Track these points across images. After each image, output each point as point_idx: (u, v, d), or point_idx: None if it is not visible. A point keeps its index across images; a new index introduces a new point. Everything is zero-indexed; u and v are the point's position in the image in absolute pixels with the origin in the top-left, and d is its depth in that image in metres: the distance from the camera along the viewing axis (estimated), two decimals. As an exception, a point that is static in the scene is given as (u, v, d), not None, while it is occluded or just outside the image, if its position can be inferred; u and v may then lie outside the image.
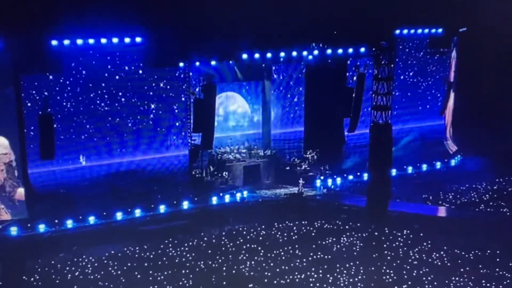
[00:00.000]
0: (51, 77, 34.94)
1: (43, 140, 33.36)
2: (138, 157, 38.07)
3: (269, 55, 40.42)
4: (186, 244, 32.66)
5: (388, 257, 30.84)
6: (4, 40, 31.83)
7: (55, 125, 34.30)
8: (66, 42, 34.32)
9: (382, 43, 37.15)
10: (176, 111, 38.91)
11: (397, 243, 32.76)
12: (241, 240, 33.21)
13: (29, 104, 34.21)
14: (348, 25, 39.41)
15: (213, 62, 39.07)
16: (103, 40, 35.39)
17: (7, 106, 32.74)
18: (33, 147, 34.15)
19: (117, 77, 36.71)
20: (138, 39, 36.10)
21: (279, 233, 34.45)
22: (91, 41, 35.07)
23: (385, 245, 32.44)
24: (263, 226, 35.25)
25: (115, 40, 35.64)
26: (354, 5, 37.81)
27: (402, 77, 46.04)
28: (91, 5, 33.29)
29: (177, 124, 39.07)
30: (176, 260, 30.65)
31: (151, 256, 31.07)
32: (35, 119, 33.75)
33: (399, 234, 33.83)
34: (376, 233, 34.15)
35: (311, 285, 27.67)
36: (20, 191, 33.61)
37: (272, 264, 30.02)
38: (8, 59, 32.39)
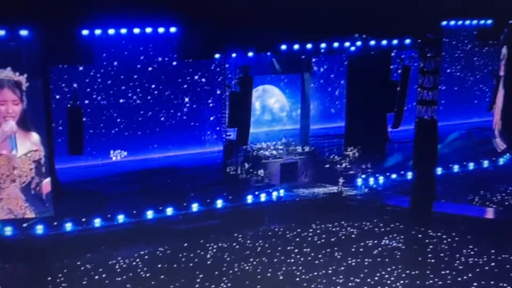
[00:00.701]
0: (81, 68, 34.17)
1: (71, 134, 32.67)
2: (170, 153, 37.27)
3: (309, 46, 39.26)
4: (219, 245, 32.06)
5: (432, 261, 30.14)
6: (33, 29, 31.01)
7: (84, 119, 33.59)
8: (98, 31, 33.39)
9: (428, 35, 36.46)
10: (211, 105, 38.16)
11: (442, 246, 32.03)
12: (277, 242, 32.55)
13: (57, 97, 33.51)
14: (392, 16, 37.93)
15: (250, 54, 37.91)
16: (136, 30, 34.49)
17: (35, 99, 32.01)
18: (60, 141, 33.52)
19: (150, 69, 35.89)
20: (172, 30, 35.22)
21: (317, 234, 33.71)
22: (123, 31, 34.16)
23: (429, 248, 31.73)
24: (300, 227, 34.53)
25: (148, 30, 34.76)
26: None
27: (448, 71, 44.77)
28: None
29: (211, 118, 38.31)
30: (208, 262, 30.08)
31: (183, 258, 30.44)
32: (63, 113, 33.12)
33: (444, 236, 33.06)
34: (419, 235, 33.43)
35: (350, 290, 26.94)
36: (47, 182, 32.92)
37: (309, 267, 29.25)
38: (36, 49, 31.56)
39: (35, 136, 32.30)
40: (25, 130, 32.00)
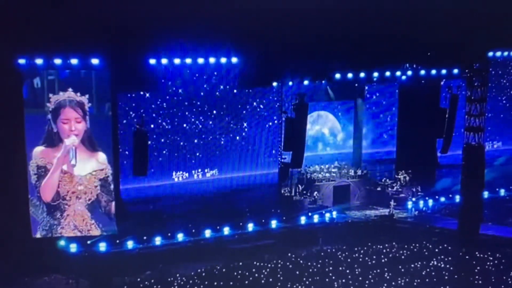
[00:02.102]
0: (147, 95, 35.48)
1: (136, 156, 33.90)
2: (228, 174, 38.28)
3: (362, 75, 40.37)
4: (273, 265, 32.35)
5: (480, 282, 29.92)
6: (104, 58, 32.49)
7: (149, 142, 34.87)
8: (164, 61, 34.82)
9: (475, 65, 36.89)
10: (268, 129, 39.13)
11: (488, 267, 31.94)
12: (330, 262, 32.70)
13: (124, 121, 34.79)
14: (441, 46, 38.93)
15: (305, 82, 39.21)
16: (200, 60, 35.80)
17: (104, 124, 33.38)
18: (126, 163, 34.79)
19: (212, 96, 37.11)
20: (234, 60, 36.45)
21: (368, 255, 33.86)
22: (188, 60, 35.50)
23: (476, 270, 31.50)
24: (351, 248, 34.77)
25: (212, 60, 36.03)
26: (448, 27, 37.31)
27: (495, 99, 44.92)
28: (189, 26, 33.78)
29: (268, 142, 39.25)
30: (263, 281, 30.25)
31: (238, 276, 30.75)
32: (129, 137, 34.40)
33: (491, 258, 32.95)
34: (467, 257, 33.34)
35: (400, 310, 27.09)
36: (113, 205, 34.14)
37: (360, 287, 29.43)
38: (106, 77, 33.01)
39: (101, 156, 33.37)
40: (91, 150, 33.11)
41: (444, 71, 41.14)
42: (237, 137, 38.34)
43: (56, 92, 32.30)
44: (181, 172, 37.00)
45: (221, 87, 37.32)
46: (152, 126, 35.60)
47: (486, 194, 40.19)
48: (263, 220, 36.68)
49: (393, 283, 29.87)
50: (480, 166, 37.18)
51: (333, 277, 30.53)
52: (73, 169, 32.88)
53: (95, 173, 33.37)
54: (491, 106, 43.44)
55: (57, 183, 32.77)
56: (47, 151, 32.56)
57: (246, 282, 30.16)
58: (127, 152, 34.90)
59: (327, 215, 38.53)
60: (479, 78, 36.90)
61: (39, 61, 31.91)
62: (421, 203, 41.28)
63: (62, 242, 32.88)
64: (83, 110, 32.59)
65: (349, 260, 33.23)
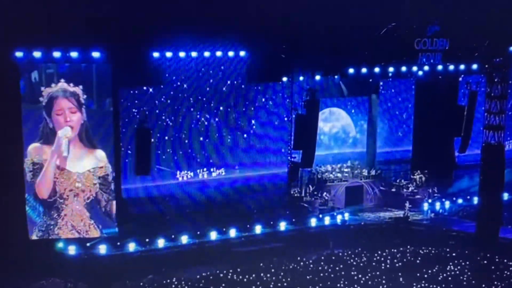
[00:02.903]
0: (151, 90, 34.61)
1: (139, 155, 33.17)
2: (235, 174, 37.42)
3: (377, 70, 39.34)
4: (282, 268, 31.77)
5: (498, 287, 29.58)
6: (105, 51, 31.69)
7: (152, 140, 34.04)
8: (168, 54, 34.05)
9: (495, 60, 36.25)
10: (277, 127, 38.23)
11: (508, 272, 31.45)
12: (341, 266, 32.12)
13: (126, 118, 33.90)
14: (460, 41, 38.01)
15: (317, 77, 38.24)
16: (207, 54, 35.05)
17: (104, 120, 32.56)
18: (127, 161, 34.00)
19: (219, 91, 36.27)
20: (242, 53, 35.70)
21: (381, 259, 33.33)
22: (194, 54, 34.73)
23: (495, 275, 31.07)
24: (364, 252, 34.19)
25: (218, 53, 35.28)
26: (467, 21, 36.48)
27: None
28: (195, 18, 32.76)
29: (277, 140, 38.34)
30: (271, 286, 29.69)
31: (245, 280, 30.30)
32: (131, 134, 33.60)
33: (510, 263, 32.48)
34: (485, 261, 32.92)
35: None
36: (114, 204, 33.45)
37: None
38: (107, 71, 32.18)
39: (100, 153, 32.60)
40: (89, 146, 32.34)
41: (462, 67, 40.05)
42: (245, 135, 37.43)
43: (49, 85, 31.42)
44: (185, 172, 36.12)
45: (228, 82, 36.40)
46: (155, 123, 34.63)
47: (506, 196, 39.42)
48: (271, 222, 35.98)
49: (407, 288, 29.47)
50: (500, 167, 36.72)
51: (346, 282, 30.06)
52: (66, 162, 31.94)
53: (93, 170, 32.60)
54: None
55: (52, 178, 31.92)
56: (43, 148, 31.67)
57: (253, 287, 29.64)
58: (128, 148, 34.00)
59: (339, 217, 37.83)
60: (500, 74, 36.20)
61: (37, 54, 30.96)
62: (438, 205, 40.53)
63: (60, 244, 32.18)
64: (78, 101, 31.69)
65: (361, 264, 32.77)
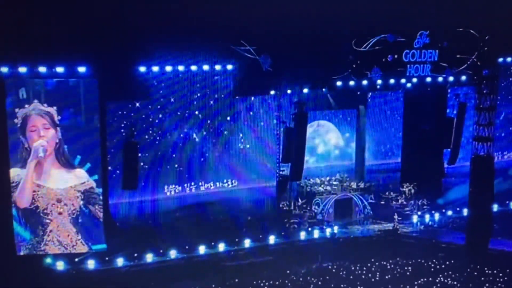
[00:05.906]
0: (137, 104, 34.43)
1: (126, 169, 32.86)
2: (224, 188, 37.35)
3: (365, 82, 38.94)
4: (271, 282, 31.66)
5: None
6: (91, 66, 31.38)
7: (139, 154, 33.72)
8: (155, 68, 33.77)
9: (484, 72, 36.30)
10: (265, 140, 38.15)
11: (498, 284, 31.54)
12: (330, 279, 32.10)
13: (112, 132, 33.65)
14: (449, 52, 37.95)
15: (305, 90, 37.97)
16: (194, 67, 34.83)
17: (91, 134, 32.20)
18: (115, 176, 33.76)
19: (206, 105, 36.22)
20: (229, 67, 35.54)
21: (371, 272, 33.29)
22: (181, 68, 34.51)
23: (485, 286, 31.29)
24: (354, 265, 34.11)
25: (206, 67, 35.08)
26: (456, 33, 36.75)
27: (505, 108, 43.53)
28: (182, 31, 32.62)
29: (265, 154, 38.28)
30: None
31: None
32: (118, 148, 33.39)
33: (501, 275, 32.52)
34: (475, 273, 32.91)
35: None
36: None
37: None
38: (94, 86, 31.84)
39: (80, 172, 32.07)
40: (68, 167, 31.79)
41: (451, 78, 39.54)
42: (232, 149, 37.44)
43: (22, 106, 31.12)
44: (173, 186, 36.03)
45: (216, 96, 36.33)
46: (142, 137, 34.40)
47: (495, 207, 39.44)
48: (260, 236, 35.67)
49: (397, 301, 29.33)
50: (489, 178, 36.84)
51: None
52: (42, 169, 31.52)
53: (74, 186, 32.22)
54: (505, 114, 42.85)
55: (31, 187, 31.49)
56: (23, 172, 31.37)
57: (243, 301, 29.60)
58: (115, 162, 33.79)
59: (328, 230, 37.56)
60: (488, 85, 36.37)
61: (22, 70, 30.62)
62: (427, 216, 40.32)
63: (48, 260, 31.87)
64: (52, 119, 31.32)
65: (351, 277, 32.69)
